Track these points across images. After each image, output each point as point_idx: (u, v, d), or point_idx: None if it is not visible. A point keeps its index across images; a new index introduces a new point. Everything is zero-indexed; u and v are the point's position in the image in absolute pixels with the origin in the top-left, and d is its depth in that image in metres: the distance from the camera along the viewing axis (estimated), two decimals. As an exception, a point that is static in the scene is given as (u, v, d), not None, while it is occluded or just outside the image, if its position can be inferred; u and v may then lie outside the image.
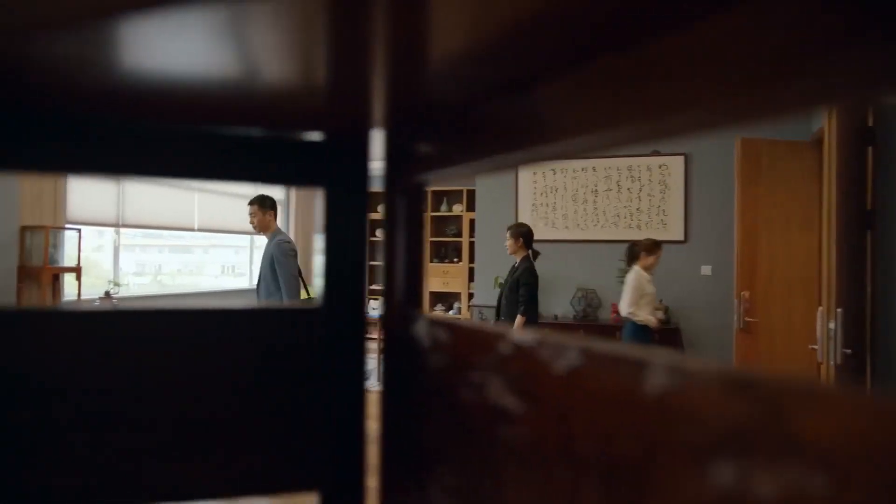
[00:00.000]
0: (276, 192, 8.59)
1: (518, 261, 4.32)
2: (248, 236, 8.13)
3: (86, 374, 0.44)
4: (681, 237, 5.18)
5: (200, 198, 7.26)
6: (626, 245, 4.18)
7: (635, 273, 3.86)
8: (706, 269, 5.13)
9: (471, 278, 8.22)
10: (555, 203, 5.57)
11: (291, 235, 8.50)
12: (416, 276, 0.70)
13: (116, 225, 6.19)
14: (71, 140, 0.42)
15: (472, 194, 8.36)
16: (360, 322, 0.71)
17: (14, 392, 0.38)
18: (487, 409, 0.45)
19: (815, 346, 2.28)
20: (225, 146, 0.51)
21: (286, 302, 3.76)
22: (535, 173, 5.55)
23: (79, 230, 5.34)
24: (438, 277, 8.46)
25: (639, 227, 5.29)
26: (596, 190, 5.45)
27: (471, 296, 8.14)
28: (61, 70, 0.35)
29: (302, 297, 3.97)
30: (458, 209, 8.47)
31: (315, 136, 0.66)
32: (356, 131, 0.63)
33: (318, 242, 0.74)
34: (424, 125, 0.58)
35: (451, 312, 8.40)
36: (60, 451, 0.43)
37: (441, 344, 0.56)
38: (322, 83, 0.43)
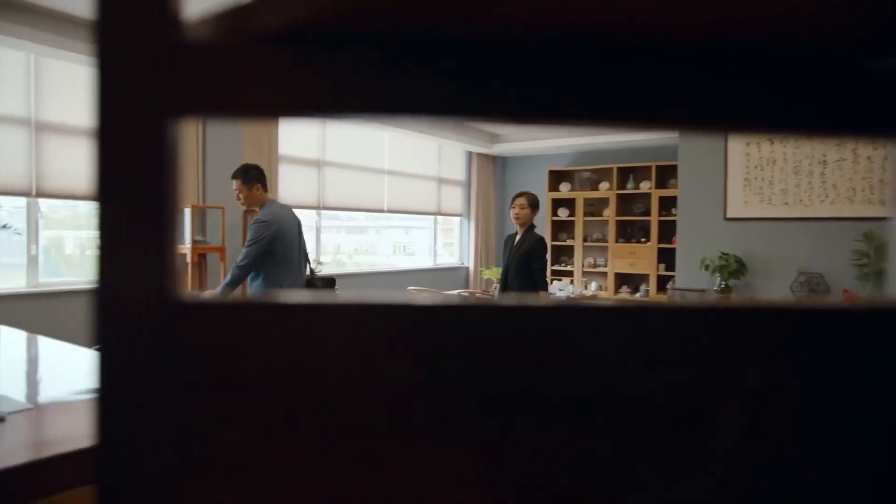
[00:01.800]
0: (458, 171, 8.77)
1: (521, 231, 3.95)
2: (425, 216, 8.35)
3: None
4: (937, 213, 4.34)
5: (389, 180, 7.57)
6: (863, 223, 3.55)
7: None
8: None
9: (660, 259, 7.72)
10: (772, 177, 4.96)
11: (473, 221, 8.58)
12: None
13: (318, 207, 6.65)
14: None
15: (661, 170, 7.81)
16: None
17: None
18: None
19: None
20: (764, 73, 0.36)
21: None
22: (748, 144, 4.98)
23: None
24: (624, 258, 8.05)
25: (881, 201, 4.52)
26: (824, 160, 4.75)
27: (661, 278, 7.64)
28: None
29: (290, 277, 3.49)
30: (645, 186, 7.96)
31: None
32: None
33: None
34: None
35: (637, 295, 7.97)
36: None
37: None
38: None
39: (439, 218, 8.56)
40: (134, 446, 0.29)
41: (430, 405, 0.28)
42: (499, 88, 0.29)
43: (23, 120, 4.27)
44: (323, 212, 6.78)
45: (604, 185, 8.30)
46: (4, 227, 3.29)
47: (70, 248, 4.82)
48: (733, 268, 4.83)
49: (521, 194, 4.03)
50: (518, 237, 3.96)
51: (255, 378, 0.29)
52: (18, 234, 4.24)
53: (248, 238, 3.39)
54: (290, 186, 6.22)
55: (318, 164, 6.58)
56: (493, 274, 7.15)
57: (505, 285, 3.94)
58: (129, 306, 0.28)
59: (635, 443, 0.30)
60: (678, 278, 5.47)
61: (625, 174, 8.17)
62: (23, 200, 4.34)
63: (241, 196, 3.45)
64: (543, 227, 8.76)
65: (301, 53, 0.28)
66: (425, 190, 8.14)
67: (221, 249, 5.10)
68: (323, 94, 0.28)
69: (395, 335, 0.28)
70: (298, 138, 6.32)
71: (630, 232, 8.19)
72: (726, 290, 4.79)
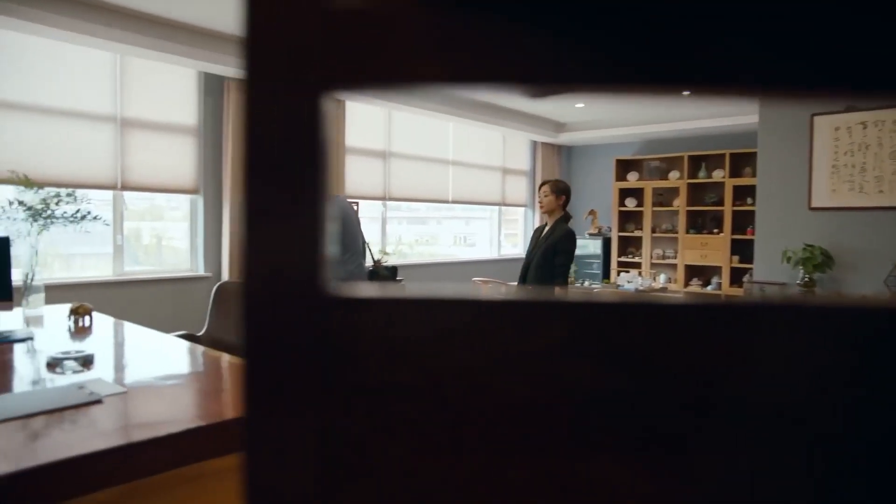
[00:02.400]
0: (522, 161, 8.65)
1: (550, 222, 3.67)
2: (488, 207, 8.29)
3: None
4: None
5: (454, 170, 7.55)
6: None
7: None
8: None
9: (734, 251, 7.39)
10: (864, 163, 4.64)
11: (537, 211, 8.48)
12: None
13: (384, 198, 6.70)
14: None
15: (736, 158, 7.47)
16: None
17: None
18: None
19: None
20: None
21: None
22: (836, 129, 4.67)
23: (357, 203, 5.86)
24: (695, 250, 7.76)
25: None
26: (925, 145, 4.41)
27: (735, 271, 7.32)
28: None
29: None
30: (718, 175, 7.64)
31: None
32: None
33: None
34: None
35: (709, 288, 7.67)
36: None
37: None
38: None
39: (503, 208, 8.49)
40: (279, 451, 0.26)
41: (615, 415, 0.25)
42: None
43: (110, 117, 4.48)
44: (388, 203, 6.84)
45: (674, 175, 8.01)
46: (95, 218, 3.45)
47: (146, 238, 5.03)
48: (818, 260, 4.55)
49: (546, 182, 3.77)
50: (546, 228, 3.69)
51: (416, 381, 0.26)
52: (107, 224, 4.47)
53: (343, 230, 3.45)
54: (356, 178, 6.29)
55: (384, 155, 6.63)
56: (559, 265, 7.01)
57: (524, 279, 3.65)
58: (279, 299, 0.26)
59: (850, 462, 0.25)
60: (756, 271, 5.22)
61: (696, 163, 7.85)
62: (109, 193, 4.57)
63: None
64: (608, 217, 8.55)
65: (470, 16, 0.25)
66: (489, 180, 8.08)
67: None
68: (495, 61, 0.25)
69: (580, 335, 0.25)
70: (365, 129, 6.38)
71: (701, 222, 7.88)
72: (810, 284, 4.53)
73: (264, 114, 0.25)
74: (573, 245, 3.60)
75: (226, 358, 2.27)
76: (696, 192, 7.90)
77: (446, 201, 7.50)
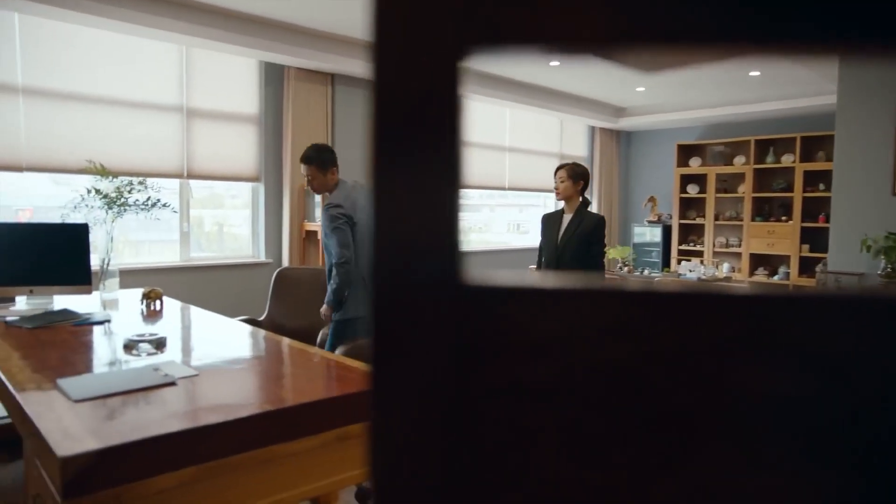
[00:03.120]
0: (580, 147, 8.45)
1: (570, 210, 3.44)
2: (542, 194, 8.16)
3: None
4: None
5: (511, 157, 7.46)
6: None
7: None
8: None
9: (803, 239, 7.05)
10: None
11: (595, 198, 8.28)
12: None
13: (440, 185, 6.69)
14: None
15: (807, 142, 7.10)
16: None
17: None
18: None
19: None
20: None
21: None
22: (924, 109, 4.35)
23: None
24: (761, 238, 7.44)
25: None
26: None
27: (805, 260, 6.99)
28: None
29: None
30: (788, 160, 7.28)
31: None
32: None
33: None
34: None
35: (775, 278, 7.35)
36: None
37: None
38: None
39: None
40: (406, 446, 0.24)
41: (797, 424, 0.21)
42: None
43: (176, 107, 4.62)
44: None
45: (739, 160, 7.69)
46: (164, 205, 3.58)
47: (208, 226, 5.18)
48: (901, 250, 4.27)
49: (562, 166, 3.50)
50: (570, 216, 3.45)
51: (559, 380, 0.23)
52: (175, 212, 4.63)
53: (327, 228, 2.97)
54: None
55: (439, 142, 6.61)
56: (618, 253, 6.87)
57: (555, 268, 3.43)
58: (411, 287, 0.23)
59: None
60: (831, 260, 4.96)
61: (763, 147, 7.51)
62: (176, 182, 4.72)
63: (314, 183, 3.04)
64: (668, 205, 8.29)
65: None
66: (546, 167, 7.95)
67: (349, 227, 5.28)
68: (661, 20, 0.21)
69: (754, 332, 0.21)
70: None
71: (768, 210, 7.55)
72: (894, 274, 4.26)
73: (394, 84, 0.23)
74: (603, 233, 3.48)
75: (286, 342, 2.31)
76: (764, 178, 7.57)
77: (503, 188, 7.43)
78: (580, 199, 3.45)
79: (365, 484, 2.62)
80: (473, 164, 7.02)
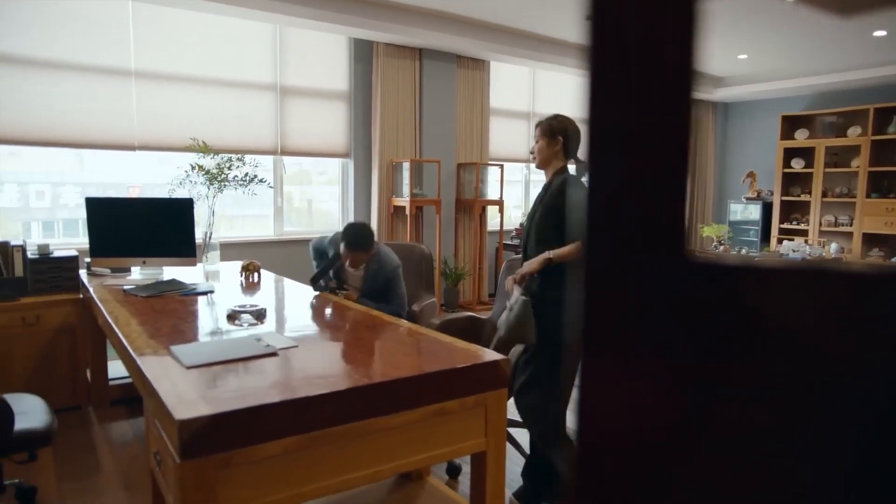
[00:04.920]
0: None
1: (548, 177, 2.45)
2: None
3: None
4: None
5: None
6: None
7: None
8: None
9: (926, 218, 6.43)
10: None
11: (689, 174, 7.89)
12: None
13: (527, 161, 6.58)
14: None
15: (936, 109, 6.42)
16: None
17: None
18: None
19: None
20: None
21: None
22: None
23: (501, 166, 5.79)
24: (878, 216, 6.85)
25: None
26: None
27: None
28: None
29: None
30: (911, 130, 6.62)
31: None
32: None
33: None
34: None
35: (895, 259, 6.76)
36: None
37: None
38: None
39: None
40: (626, 413, 0.21)
41: None
42: None
43: (271, 86, 4.76)
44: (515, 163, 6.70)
45: (853, 131, 7.08)
46: (262, 181, 3.71)
47: (297, 201, 5.33)
48: None
49: (540, 122, 2.51)
50: (549, 181, 2.47)
51: (796, 369, 0.19)
52: (271, 187, 4.81)
53: (395, 287, 2.89)
54: (499, 140, 6.22)
55: (528, 116, 6.48)
56: (713, 231, 6.53)
57: (525, 251, 2.47)
58: (631, 258, 0.20)
59: None
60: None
61: (884, 116, 6.86)
62: (270, 159, 4.88)
63: (353, 263, 2.86)
64: (769, 181, 7.78)
65: None
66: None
67: (437, 202, 5.29)
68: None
69: None
70: (508, 90, 6.26)
71: (888, 185, 6.92)
72: None
73: (623, 33, 0.19)
74: (582, 200, 2.21)
75: (376, 315, 2.34)
76: (883, 151, 6.93)
77: (590, 163, 7.22)
78: (562, 163, 2.47)
79: (457, 459, 2.63)
80: (561, 138, 6.84)
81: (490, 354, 1.74)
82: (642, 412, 0.20)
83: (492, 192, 5.82)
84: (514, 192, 6.71)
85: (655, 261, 0.19)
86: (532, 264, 2.32)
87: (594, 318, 0.20)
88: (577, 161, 2.51)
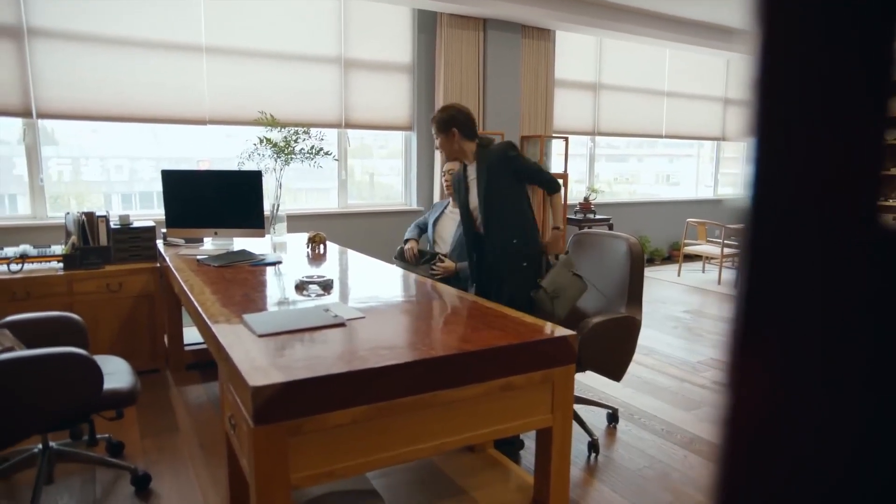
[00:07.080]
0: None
1: (472, 160, 2.57)
2: (695, 143, 7.53)
3: None
4: None
5: (669, 102, 6.94)
6: None
7: None
8: None
9: None
10: None
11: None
12: None
13: (592, 133, 6.40)
14: None
15: None
16: None
17: None
18: None
19: None
20: None
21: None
22: None
23: (566, 139, 5.66)
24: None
25: None
26: None
27: None
28: None
29: None
30: None
31: None
32: None
33: None
34: None
35: None
36: None
37: None
38: None
39: (721, 144, 7.65)
40: (779, 386, 0.18)
41: None
42: None
43: (335, 59, 4.79)
44: (576, 138, 6.52)
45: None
46: (327, 153, 3.76)
47: (358, 174, 5.37)
48: None
49: (432, 120, 2.61)
50: (473, 168, 2.59)
51: None
52: (336, 160, 4.87)
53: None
54: (564, 112, 6.07)
55: (594, 87, 6.29)
56: None
57: (484, 233, 2.56)
58: (816, 229, 0.17)
59: None
60: None
61: None
62: (334, 132, 4.93)
63: (450, 154, 2.64)
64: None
65: None
66: (708, 113, 7.31)
67: (498, 176, 5.23)
68: None
69: None
70: (574, 60, 6.08)
71: None
72: None
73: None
74: (517, 150, 2.54)
75: (441, 288, 2.34)
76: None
77: (659, 136, 6.96)
78: (474, 146, 2.56)
79: (520, 434, 2.62)
80: (627, 110, 6.61)
81: (559, 330, 1.71)
82: (821, 411, 0.18)
83: (555, 166, 5.70)
84: (579, 166, 6.55)
85: (845, 230, 0.16)
86: (559, 242, 2.66)
87: (760, 301, 0.17)
88: (483, 139, 2.59)
